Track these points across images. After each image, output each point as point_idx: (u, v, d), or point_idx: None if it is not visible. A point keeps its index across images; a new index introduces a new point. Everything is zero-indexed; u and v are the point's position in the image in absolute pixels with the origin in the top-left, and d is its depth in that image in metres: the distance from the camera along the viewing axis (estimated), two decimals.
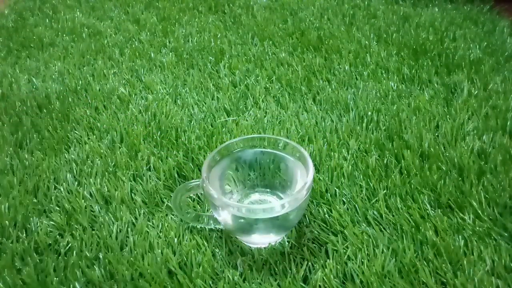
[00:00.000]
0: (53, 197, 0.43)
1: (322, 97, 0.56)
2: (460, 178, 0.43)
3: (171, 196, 0.37)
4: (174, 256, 0.36)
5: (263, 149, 0.39)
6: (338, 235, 0.38)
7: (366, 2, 0.85)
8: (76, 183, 0.45)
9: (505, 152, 0.45)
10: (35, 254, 0.37)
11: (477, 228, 0.37)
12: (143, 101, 0.58)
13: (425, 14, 0.80)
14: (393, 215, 0.39)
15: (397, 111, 0.53)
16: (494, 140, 0.48)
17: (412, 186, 0.42)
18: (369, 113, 0.53)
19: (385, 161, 0.45)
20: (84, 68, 0.66)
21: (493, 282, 0.33)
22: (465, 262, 0.35)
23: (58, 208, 0.42)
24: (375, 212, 0.40)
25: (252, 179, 0.40)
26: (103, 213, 0.41)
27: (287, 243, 0.38)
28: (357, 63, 0.64)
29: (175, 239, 0.38)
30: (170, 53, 0.69)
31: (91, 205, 0.42)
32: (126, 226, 0.39)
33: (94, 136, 0.51)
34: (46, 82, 0.62)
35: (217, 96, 0.58)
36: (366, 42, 0.70)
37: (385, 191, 0.42)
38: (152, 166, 0.46)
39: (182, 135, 0.50)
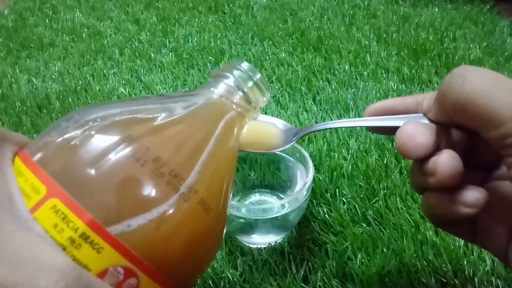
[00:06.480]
0: None
1: (322, 97, 0.56)
2: None
3: None
4: None
5: None
6: (338, 235, 0.38)
7: (366, 2, 0.85)
8: None
9: None
10: None
11: None
12: None
13: (425, 14, 0.80)
14: (393, 215, 0.39)
15: None
16: None
17: None
18: None
19: (385, 161, 0.45)
20: (84, 68, 0.66)
21: (493, 282, 0.33)
22: (465, 262, 0.35)
23: None
24: (375, 212, 0.40)
25: (252, 179, 0.40)
26: None
27: (287, 243, 0.38)
28: (357, 63, 0.64)
29: None
30: (170, 53, 0.69)
31: None
32: None
33: None
34: (46, 82, 0.62)
35: None
36: (366, 42, 0.70)
37: (385, 191, 0.42)
38: None
39: None
